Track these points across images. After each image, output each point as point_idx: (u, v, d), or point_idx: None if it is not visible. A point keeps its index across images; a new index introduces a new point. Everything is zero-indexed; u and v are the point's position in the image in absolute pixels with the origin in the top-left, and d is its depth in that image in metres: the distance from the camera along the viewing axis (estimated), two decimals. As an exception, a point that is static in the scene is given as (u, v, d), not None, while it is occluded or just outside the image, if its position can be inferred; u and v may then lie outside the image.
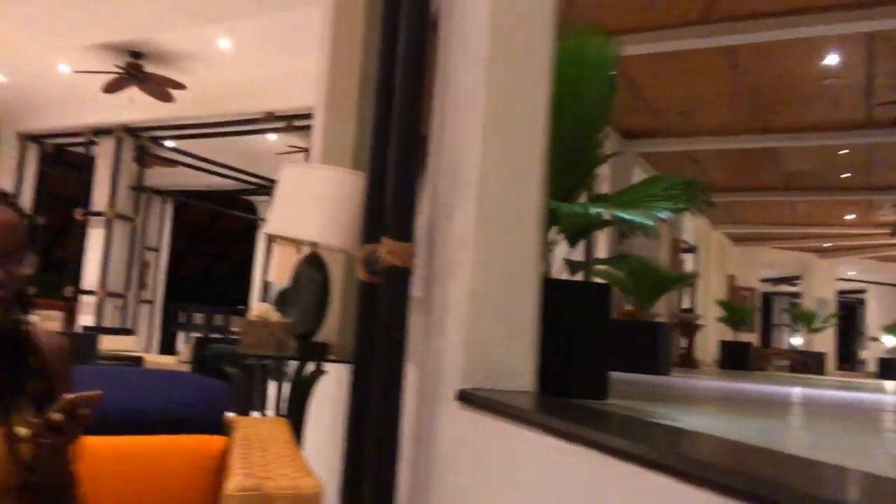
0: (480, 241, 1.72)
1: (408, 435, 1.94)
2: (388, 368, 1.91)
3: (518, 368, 1.68)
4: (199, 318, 12.94)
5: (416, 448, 1.98)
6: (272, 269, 5.23)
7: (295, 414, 2.52)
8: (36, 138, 10.74)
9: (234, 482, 1.14)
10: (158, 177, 12.55)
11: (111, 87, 7.97)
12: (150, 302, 12.92)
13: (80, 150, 10.69)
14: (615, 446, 0.98)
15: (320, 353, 2.47)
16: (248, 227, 17.73)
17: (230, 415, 1.72)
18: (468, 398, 1.64)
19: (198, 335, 12.61)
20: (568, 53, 2.30)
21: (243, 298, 15.42)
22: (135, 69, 7.76)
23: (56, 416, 1.10)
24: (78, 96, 9.28)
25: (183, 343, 13.17)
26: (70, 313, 10.13)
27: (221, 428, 1.64)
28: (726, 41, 6.11)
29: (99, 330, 8.42)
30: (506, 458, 1.43)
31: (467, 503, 1.63)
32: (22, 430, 1.12)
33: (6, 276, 1.18)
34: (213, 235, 19.36)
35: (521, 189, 1.74)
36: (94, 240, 10.03)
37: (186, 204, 15.87)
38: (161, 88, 7.91)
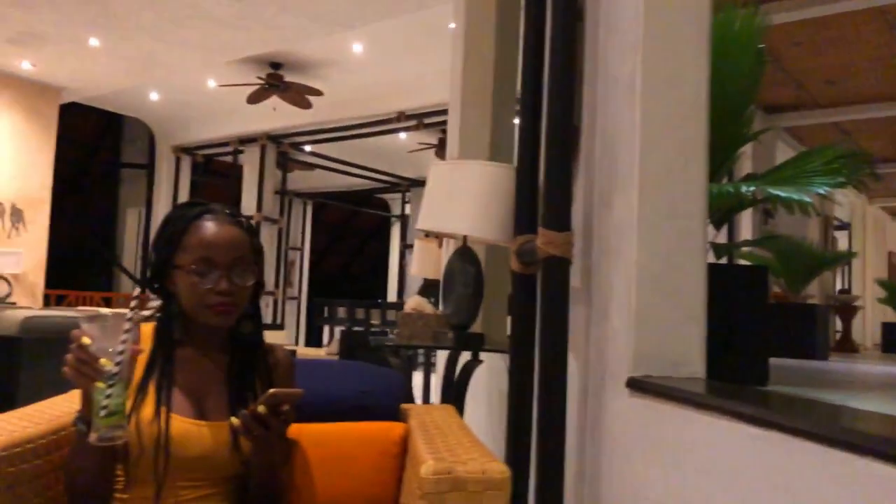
0: (644, 228, 1.71)
1: (571, 423, 1.95)
2: (550, 357, 1.93)
3: (691, 355, 1.65)
4: (341, 311, 13.48)
5: (581, 435, 1.99)
6: (414, 262, 5.38)
7: (454, 402, 2.60)
8: (188, 150, 11.56)
9: (427, 466, 1.20)
10: (298, 180, 13.19)
11: (254, 98, 8.44)
12: (295, 298, 13.61)
13: (228, 158, 11.40)
14: (820, 433, 0.95)
15: (477, 343, 2.53)
16: (382, 224, 18.29)
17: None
18: (640, 386, 1.63)
19: (342, 328, 13.16)
20: (714, 29, 2.23)
21: (381, 292, 15.93)
22: (275, 79, 8.18)
23: (261, 409, 1.20)
24: (224, 109, 9.90)
25: (328, 336, 13.79)
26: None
27: (398, 415, 1.73)
28: (879, 1, 5.66)
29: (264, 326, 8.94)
30: (685, 445, 1.42)
31: (642, 489, 1.63)
32: (234, 421, 1.23)
33: (232, 287, 1.29)
34: (350, 234, 20.09)
35: (685, 173, 1.71)
36: (245, 242, 10.67)
37: (325, 205, 16.58)
38: (300, 96, 8.30)
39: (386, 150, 11.87)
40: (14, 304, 8.09)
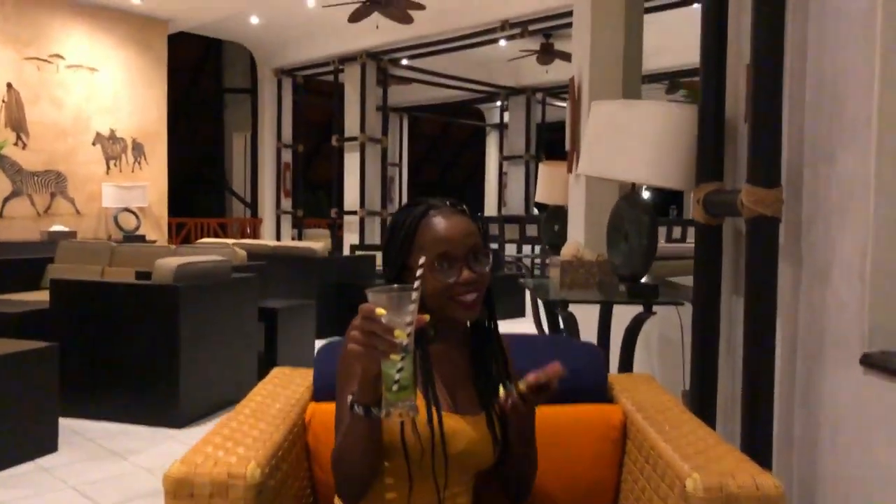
0: (883, 184, 1.53)
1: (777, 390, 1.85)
2: (758, 319, 1.82)
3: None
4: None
5: (786, 401, 1.88)
6: (539, 187, 5.23)
7: (625, 354, 2.53)
8: (288, 72, 11.57)
9: (695, 481, 1.14)
10: (395, 95, 13.05)
11: (356, 16, 8.27)
12: (397, 214, 13.73)
13: (328, 78, 11.35)
14: None
15: (652, 295, 2.42)
16: (476, 134, 18.04)
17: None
18: (880, 365, 1.50)
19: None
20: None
21: (478, 204, 15.87)
22: (377, -4, 7.96)
23: (522, 387, 1.22)
24: (324, 28, 9.78)
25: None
26: (333, 231, 11.08)
27: (605, 393, 1.66)
28: None
29: (374, 248, 9.10)
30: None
31: (884, 472, 1.52)
32: (502, 394, 1.24)
33: (474, 276, 1.26)
34: (445, 144, 19.96)
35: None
36: (350, 163, 10.74)
37: (419, 118, 16.43)
38: (402, 11, 8.06)
39: (484, 60, 11.53)
40: (143, 237, 8.49)
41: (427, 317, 1.11)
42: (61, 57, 8.20)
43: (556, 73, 10.98)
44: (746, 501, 1.13)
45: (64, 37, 8.25)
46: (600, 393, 1.65)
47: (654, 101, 2.27)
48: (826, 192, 1.73)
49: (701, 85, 2.17)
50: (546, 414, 1.52)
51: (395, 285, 1.12)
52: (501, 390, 1.25)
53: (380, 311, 1.06)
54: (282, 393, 1.61)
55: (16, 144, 7.88)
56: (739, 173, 2.17)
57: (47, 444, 3.31)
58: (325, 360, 1.66)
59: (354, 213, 10.72)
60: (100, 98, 8.61)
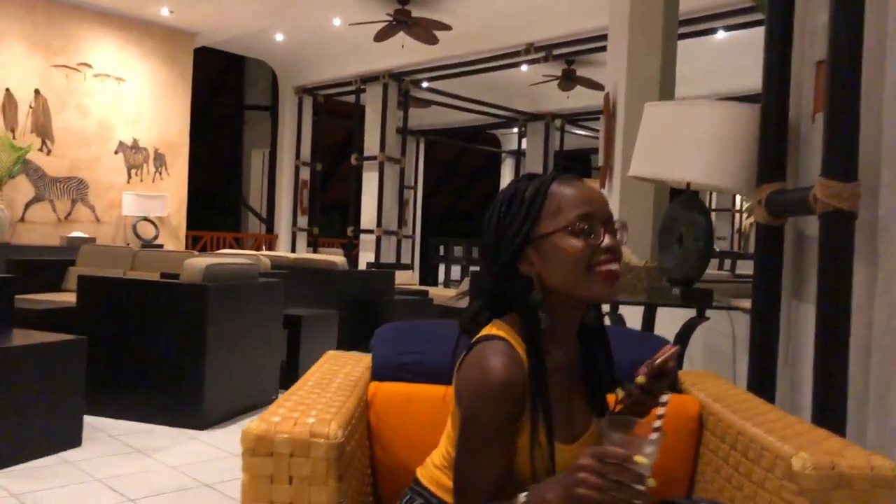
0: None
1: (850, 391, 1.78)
2: (832, 317, 1.76)
3: None
4: (457, 250, 13.50)
5: (860, 407, 1.81)
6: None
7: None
8: (310, 91, 11.64)
9: (802, 459, 1.08)
10: (413, 118, 13.08)
11: (381, 36, 8.32)
12: (409, 237, 13.70)
13: (349, 98, 11.41)
14: None
15: (707, 300, 2.36)
16: (490, 160, 18.08)
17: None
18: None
19: (460, 267, 13.22)
20: None
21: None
22: (403, 15, 8.01)
23: (640, 380, 1.13)
24: (347, 48, 9.85)
25: (443, 274, 13.89)
26: (348, 251, 11.05)
27: (676, 386, 1.61)
28: None
29: (390, 266, 9.06)
30: None
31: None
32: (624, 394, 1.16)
33: (616, 244, 1.12)
34: (458, 171, 20.00)
35: None
36: (368, 182, 10.75)
37: (435, 142, 16.48)
38: (427, 31, 8.12)
39: (505, 84, 11.57)
40: (161, 246, 8.48)
41: (654, 482, 0.93)
42: (89, 66, 8.27)
43: (577, 99, 11.02)
44: (860, 483, 1.06)
45: (92, 46, 8.32)
46: (672, 384, 1.60)
47: (714, 101, 2.24)
48: (908, 186, 1.68)
49: (764, 85, 2.13)
50: (618, 403, 1.47)
51: (634, 418, 1.02)
52: (620, 392, 1.15)
53: (640, 459, 0.90)
54: (340, 371, 1.56)
55: (40, 150, 7.91)
56: (802, 173, 2.13)
57: (71, 438, 3.25)
58: (381, 343, 1.64)
59: (371, 231, 10.70)
60: (124, 107, 8.66)
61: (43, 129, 7.93)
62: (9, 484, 2.77)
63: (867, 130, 1.81)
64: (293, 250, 11.73)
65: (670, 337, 2.58)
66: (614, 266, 1.10)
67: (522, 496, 1.01)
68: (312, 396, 1.31)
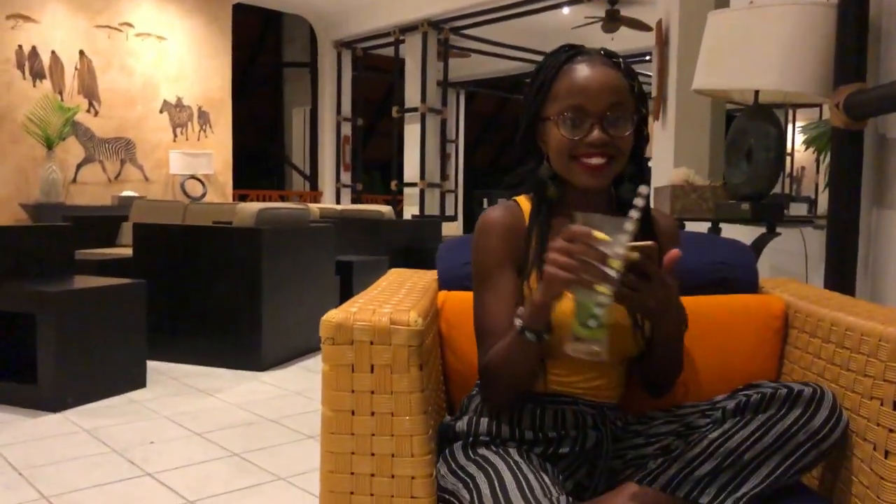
0: None
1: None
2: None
3: None
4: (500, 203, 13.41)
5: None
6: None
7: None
8: (348, 44, 11.53)
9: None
10: (453, 68, 12.90)
11: (420, -18, 8.16)
12: (452, 191, 13.62)
13: (388, 51, 11.28)
14: None
15: (778, 213, 2.27)
16: (533, 111, 17.76)
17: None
18: None
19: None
20: None
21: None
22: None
23: (633, 255, 0.99)
24: (385, -3, 9.70)
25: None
26: (393, 205, 11.04)
27: (757, 288, 1.54)
28: None
29: (439, 218, 9.03)
30: None
31: None
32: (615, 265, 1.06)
33: (605, 138, 1.11)
34: (500, 123, 19.75)
35: None
36: (410, 135, 10.67)
37: (476, 93, 16.28)
38: (467, -25, 7.93)
39: (546, 29, 11.29)
40: (213, 202, 8.57)
41: (637, 255, 0.97)
42: (131, 25, 8.29)
43: (621, 41, 10.71)
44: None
45: (133, 5, 8.33)
46: (753, 286, 1.53)
47: (786, 3, 2.11)
48: None
49: (842, -21, 2.00)
50: (700, 303, 1.41)
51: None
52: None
53: (599, 234, 0.94)
54: (407, 282, 1.53)
55: (88, 111, 8.01)
56: (884, 73, 2.01)
57: (137, 379, 3.32)
58: (446, 254, 1.62)
59: (414, 185, 10.65)
60: (167, 66, 8.69)
61: (89, 91, 8.02)
62: (80, 420, 2.84)
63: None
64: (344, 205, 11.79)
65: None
66: (595, 160, 1.12)
67: (520, 309, 1.08)
68: (384, 296, 1.28)
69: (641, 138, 1.21)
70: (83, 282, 3.31)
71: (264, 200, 10.78)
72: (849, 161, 1.99)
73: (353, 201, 12.12)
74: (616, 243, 0.94)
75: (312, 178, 12.42)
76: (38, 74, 7.64)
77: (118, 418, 2.90)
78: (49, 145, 7.31)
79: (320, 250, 4.32)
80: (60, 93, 7.77)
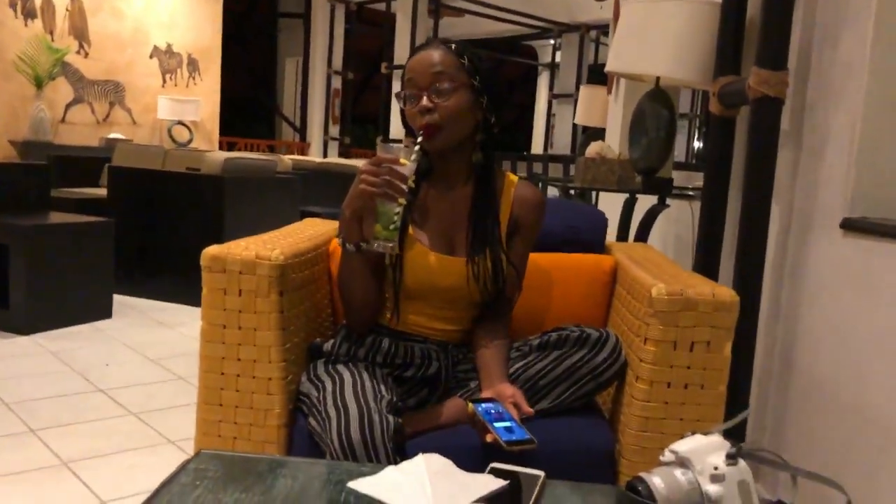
0: (877, 62, 1.63)
1: (768, 264, 1.98)
2: (755, 200, 1.93)
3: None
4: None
5: (777, 277, 2.01)
6: (579, 110, 5.31)
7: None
8: (342, -1, 11.62)
9: (659, 288, 1.29)
10: (446, 28, 12.98)
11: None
12: (443, 149, 13.81)
13: (381, 6, 11.37)
14: None
15: (667, 187, 2.54)
16: (527, 73, 17.86)
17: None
18: (856, 226, 1.62)
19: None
20: None
21: (525, 144, 15.84)
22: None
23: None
24: (378, -47, 9.75)
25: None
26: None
27: (603, 250, 1.81)
28: None
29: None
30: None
31: (846, 323, 1.66)
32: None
33: (430, 104, 1.33)
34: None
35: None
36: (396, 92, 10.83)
37: (471, 53, 16.27)
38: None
39: (540, -7, 11.39)
40: (196, 149, 8.78)
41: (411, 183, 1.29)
42: (123, -31, 8.40)
43: (610, 9, 10.81)
44: (703, 306, 1.28)
45: (125, -51, 8.43)
46: (598, 250, 1.81)
47: (680, -2, 2.35)
48: (827, 74, 1.82)
49: (726, -19, 2.24)
50: (546, 259, 1.70)
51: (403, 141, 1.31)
52: (470, 406, 1.25)
53: (403, 160, 1.24)
54: (309, 229, 1.80)
55: (78, 53, 8.16)
56: (745, 69, 2.26)
57: (103, 310, 3.62)
58: None
59: (399, 141, 10.85)
60: (158, 12, 8.82)
61: (79, 32, 8.17)
62: (47, 343, 3.14)
63: (805, 19, 1.94)
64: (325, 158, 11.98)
65: (634, 224, 2.78)
66: (426, 118, 1.34)
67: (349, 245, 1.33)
68: (274, 238, 1.55)
69: (483, 109, 1.42)
70: (56, 218, 3.59)
71: (252, 149, 10.98)
72: (721, 145, 2.26)
73: (340, 155, 12.32)
74: (408, 168, 1.25)
75: (302, 130, 12.60)
76: (29, 14, 7.79)
77: (82, 342, 3.20)
78: (38, 84, 7.50)
79: (285, 200, 4.59)
80: (51, 33, 7.92)
